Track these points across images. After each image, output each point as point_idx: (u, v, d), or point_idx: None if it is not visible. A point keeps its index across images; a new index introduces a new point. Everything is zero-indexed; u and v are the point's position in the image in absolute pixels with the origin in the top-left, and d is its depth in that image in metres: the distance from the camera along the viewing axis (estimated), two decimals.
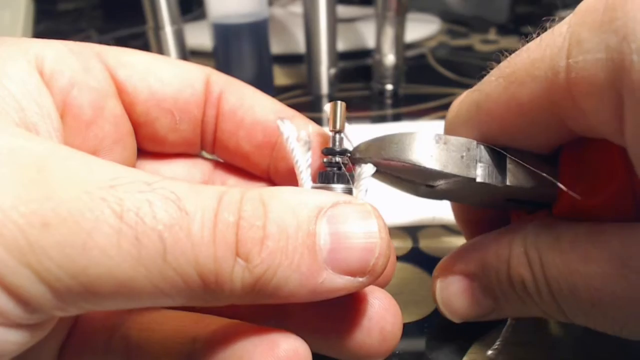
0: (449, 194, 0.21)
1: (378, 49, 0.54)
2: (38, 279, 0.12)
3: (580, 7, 0.15)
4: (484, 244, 0.21)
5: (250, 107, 0.22)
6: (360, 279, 0.15)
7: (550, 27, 0.16)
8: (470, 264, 0.21)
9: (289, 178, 0.21)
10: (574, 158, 0.18)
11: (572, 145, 0.18)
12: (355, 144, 0.20)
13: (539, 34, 0.17)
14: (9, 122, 0.15)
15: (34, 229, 0.12)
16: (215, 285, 0.13)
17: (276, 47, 0.65)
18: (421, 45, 0.75)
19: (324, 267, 0.14)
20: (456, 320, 0.22)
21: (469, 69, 0.65)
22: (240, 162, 0.23)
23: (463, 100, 0.20)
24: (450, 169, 0.18)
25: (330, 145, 0.20)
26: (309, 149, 0.20)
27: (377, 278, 0.15)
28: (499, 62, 0.18)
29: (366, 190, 0.19)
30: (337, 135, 0.19)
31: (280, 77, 0.64)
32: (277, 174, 0.23)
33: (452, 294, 0.21)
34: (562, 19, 0.16)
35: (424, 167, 0.18)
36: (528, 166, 0.18)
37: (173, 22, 0.50)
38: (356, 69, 0.66)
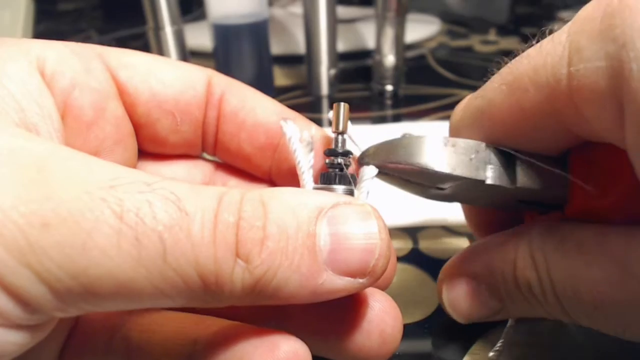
0: (458, 196, 0.21)
1: (378, 49, 0.54)
2: (38, 280, 0.12)
3: (579, 15, 0.15)
4: (490, 246, 0.21)
5: (252, 109, 0.22)
6: (361, 280, 0.15)
7: (548, 34, 0.16)
8: (477, 266, 0.21)
9: (291, 180, 0.21)
10: (583, 159, 0.18)
11: (581, 146, 0.18)
12: (359, 146, 0.20)
13: (538, 41, 0.17)
14: (9, 123, 0.15)
15: (34, 229, 0.12)
16: (216, 286, 0.13)
17: (276, 48, 0.65)
18: (421, 46, 0.75)
19: (324, 268, 0.14)
20: (462, 321, 0.22)
21: (469, 69, 0.65)
22: (242, 163, 0.23)
23: (467, 105, 0.20)
24: (459, 172, 0.18)
25: (333, 146, 0.20)
26: (311, 149, 0.20)
27: (377, 279, 0.15)
28: (498, 65, 0.18)
29: (368, 192, 0.19)
30: (340, 137, 0.19)
31: (280, 77, 0.64)
32: (279, 175, 0.23)
33: (459, 295, 0.22)
34: (562, 19, 0.16)
35: (433, 170, 0.17)
36: (540, 164, 0.18)
37: (173, 22, 0.50)
38: (356, 70, 0.66)
